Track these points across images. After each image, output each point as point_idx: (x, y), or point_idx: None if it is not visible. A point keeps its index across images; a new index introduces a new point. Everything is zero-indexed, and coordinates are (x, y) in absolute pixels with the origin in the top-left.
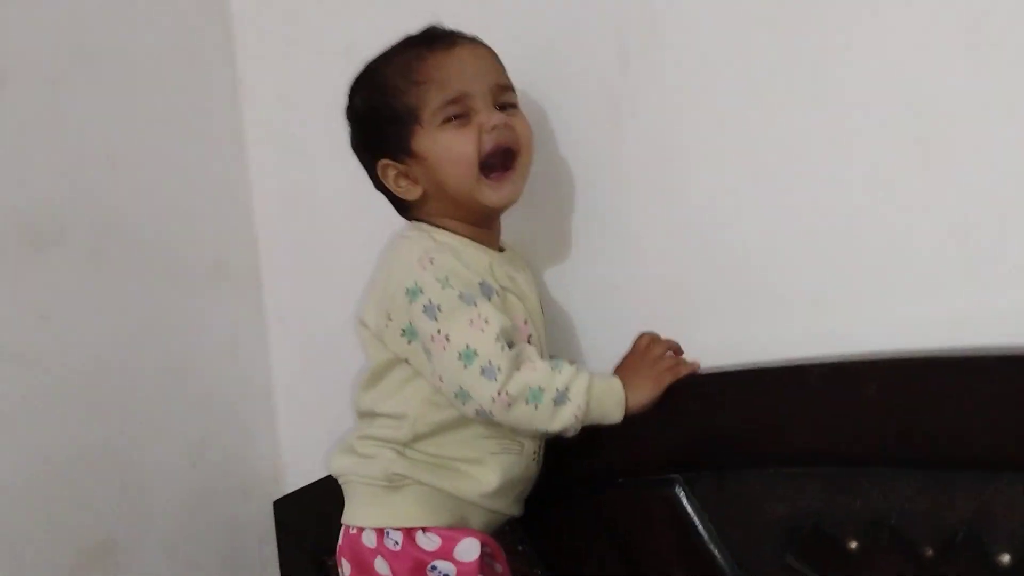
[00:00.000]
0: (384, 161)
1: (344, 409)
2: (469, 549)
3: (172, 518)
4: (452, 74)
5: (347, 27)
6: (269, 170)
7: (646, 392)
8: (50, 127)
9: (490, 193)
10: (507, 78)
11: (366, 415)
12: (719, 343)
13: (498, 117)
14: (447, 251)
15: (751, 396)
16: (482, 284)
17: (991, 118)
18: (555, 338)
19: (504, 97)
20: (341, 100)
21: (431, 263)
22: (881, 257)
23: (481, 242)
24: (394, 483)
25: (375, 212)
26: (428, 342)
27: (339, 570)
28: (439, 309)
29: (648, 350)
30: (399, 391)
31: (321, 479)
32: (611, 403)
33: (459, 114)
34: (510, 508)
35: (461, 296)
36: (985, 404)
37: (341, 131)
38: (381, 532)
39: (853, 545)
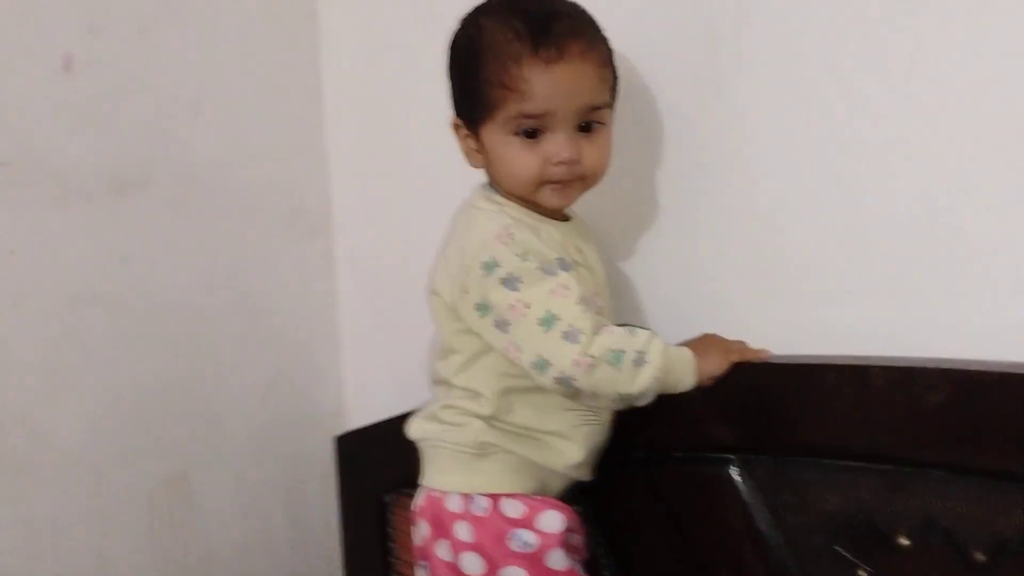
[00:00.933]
0: (458, 120)
1: (408, 352)
2: (552, 520)
3: (242, 451)
4: (542, 91)
5: None
6: (345, 119)
7: (716, 363)
8: (137, 76)
9: (550, 197)
10: (604, 95)
11: (442, 384)
12: (787, 332)
13: (569, 151)
14: (525, 228)
15: (814, 389)
16: (560, 259)
17: None
18: (619, 313)
19: (592, 116)
20: (420, 50)
21: (511, 238)
22: (958, 261)
23: (549, 216)
24: (483, 451)
25: (447, 163)
26: (505, 311)
27: (412, 529)
28: (520, 280)
29: (716, 336)
30: (472, 364)
31: (384, 420)
32: (685, 368)
33: (533, 130)
34: (588, 475)
35: (541, 268)
36: None
37: (418, 82)
38: (468, 497)
39: (904, 542)
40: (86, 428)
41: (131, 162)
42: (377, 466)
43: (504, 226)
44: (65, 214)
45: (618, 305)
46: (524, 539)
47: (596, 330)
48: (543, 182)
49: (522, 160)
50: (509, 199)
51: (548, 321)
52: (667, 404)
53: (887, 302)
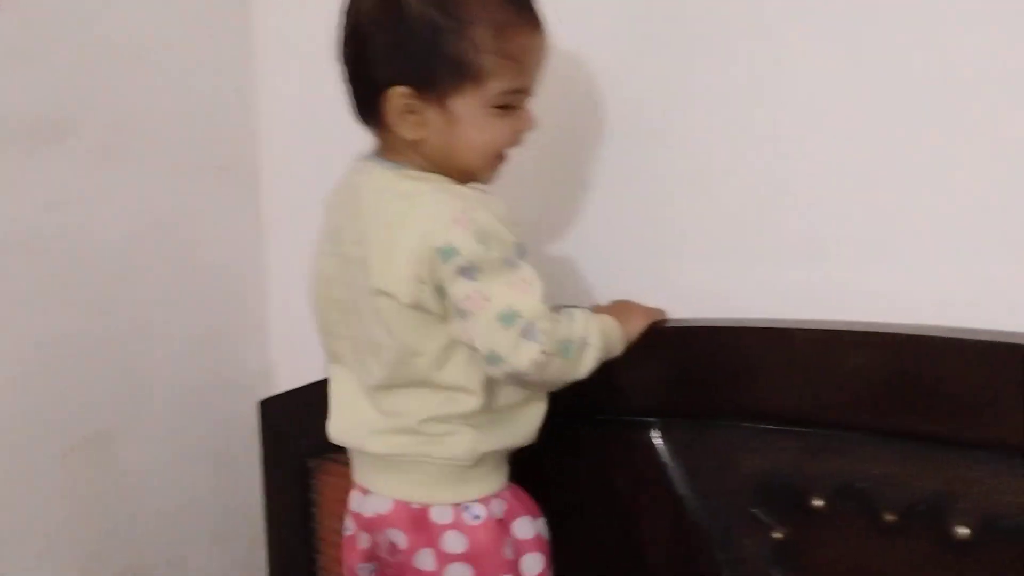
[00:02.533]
0: (402, 89)
1: None
2: (525, 528)
3: (167, 412)
4: (531, 64)
5: None
6: (277, 73)
7: (637, 326)
8: (61, 24)
9: (490, 175)
10: None
11: (410, 387)
12: (708, 291)
13: (530, 121)
14: (479, 206)
15: (734, 351)
16: (517, 244)
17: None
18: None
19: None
20: None
21: (471, 222)
22: (879, 226)
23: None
24: (479, 461)
25: None
26: (463, 302)
27: (355, 532)
28: (479, 270)
29: (630, 301)
30: (447, 359)
31: (308, 384)
32: (617, 338)
33: (512, 104)
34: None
35: (503, 259)
36: (961, 385)
37: None
38: (459, 507)
39: (819, 503)
40: (2, 379)
41: (57, 107)
42: (301, 431)
43: (461, 208)
44: None
45: (547, 272)
46: (509, 548)
47: (553, 324)
48: (501, 155)
49: (497, 131)
50: (429, 174)
51: (508, 317)
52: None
53: (809, 266)
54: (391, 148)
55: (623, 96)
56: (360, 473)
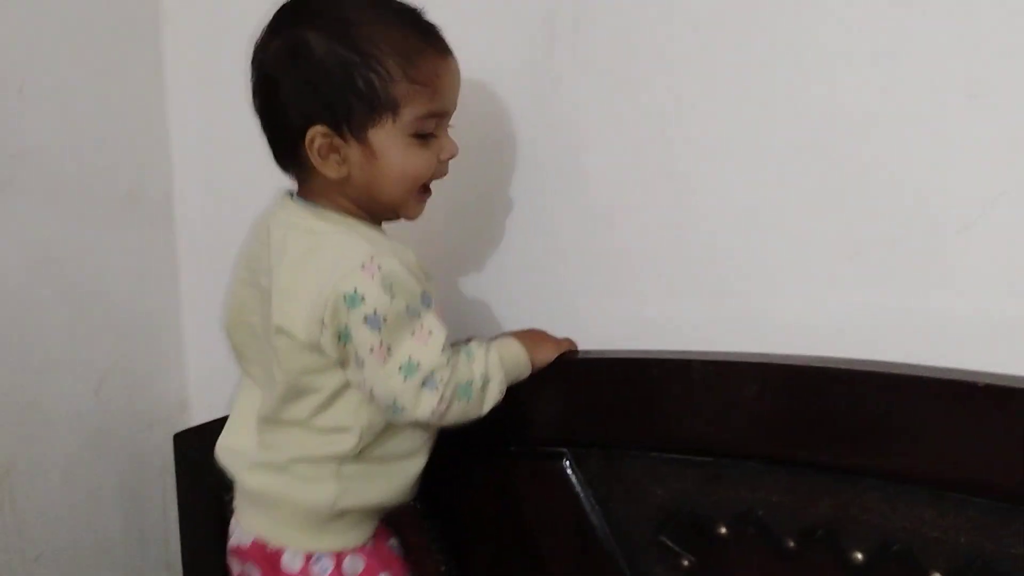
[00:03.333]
0: (320, 128)
1: None
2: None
3: (73, 445)
4: (445, 87)
5: None
6: (187, 101)
7: (546, 353)
8: None
9: (415, 208)
10: None
11: (289, 426)
12: (617, 327)
13: (453, 146)
14: (388, 253)
15: (638, 382)
16: (423, 294)
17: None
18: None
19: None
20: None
21: (378, 270)
22: (777, 258)
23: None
24: (339, 515)
25: None
26: (365, 352)
27: (229, 558)
28: (384, 320)
29: (541, 330)
30: (334, 401)
31: (223, 417)
32: (521, 365)
33: (430, 131)
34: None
35: (408, 308)
36: (854, 415)
37: None
38: (309, 556)
39: (723, 531)
40: None
41: None
42: (217, 465)
43: (368, 254)
44: None
45: (455, 305)
46: None
47: (451, 371)
48: (424, 186)
49: (418, 161)
50: (345, 214)
51: (410, 369)
52: (503, 401)
53: (710, 299)
54: (312, 190)
55: (528, 132)
56: (237, 501)
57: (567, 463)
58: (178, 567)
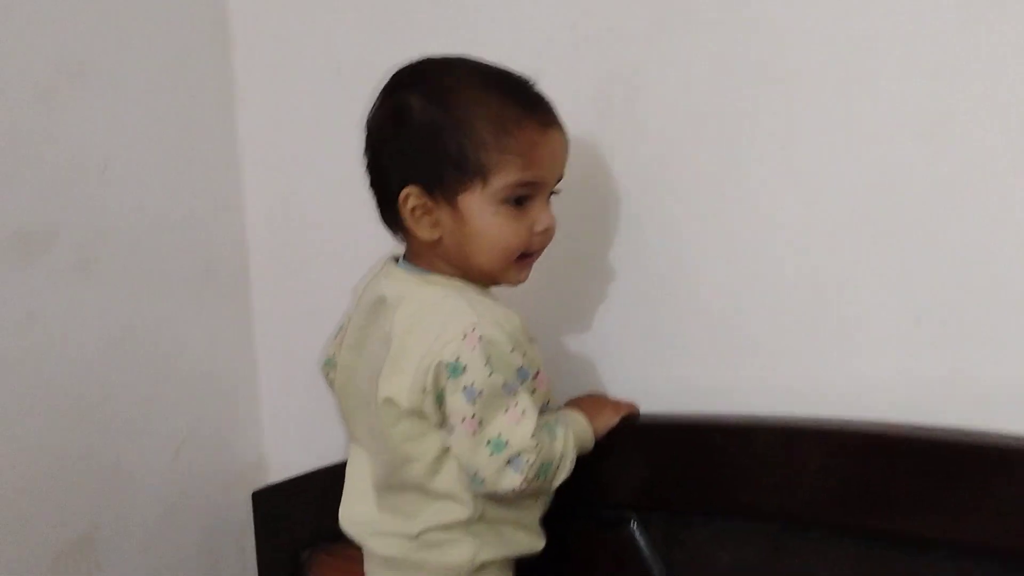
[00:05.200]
0: (413, 188)
1: (325, 407)
2: None
3: (152, 512)
4: (540, 158)
5: (341, 44)
6: (261, 179)
7: (607, 420)
8: (42, 138)
9: (515, 275)
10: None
11: (407, 490)
12: (677, 391)
13: (549, 219)
14: (490, 323)
15: (702, 449)
16: (520, 370)
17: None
18: None
19: (556, 185)
20: (332, 113)
21: (479, 341)
22: (839, 324)
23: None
24: (480, 570)
25: (362, 221)
26: (456, 420)
27: None
28: (480, 394)
29: (601, 394)
30: (440, 466)
31: (300, 475)
32: (588, 439)
33: (523, 198)
34: None
35: (505, 385)
36: (918, 482)
37: (333, 143)
38: None
39: None
40: None
41: (36, 224)
42: (294, 522)
43: (471, 323)
44: None
45: None
46: None
47: (538, 454)
48: (523, 254)
49: (510, 230)
50: (451, 277)
51: (498, 445)
52: None
53: (771, 364)
54: (415, 252)
55: (606, 184)
56: (368, 566)
57: (634, 527)
58: None
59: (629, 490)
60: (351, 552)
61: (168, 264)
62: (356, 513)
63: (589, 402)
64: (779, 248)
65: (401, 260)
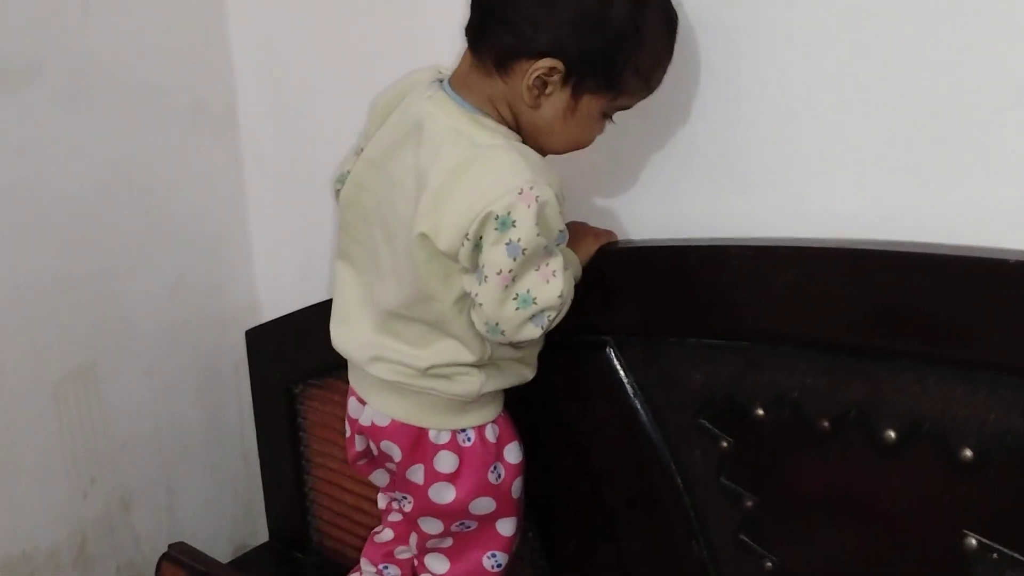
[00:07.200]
0: (559, 63)
1: (317, 247)
2: (515, 453)
3: (150, 345)
4: (652, 92)
5: None
6: (249, 13)
7: (588, 246)
8: None
9: (555, 151)
10: None
11: (421, 323)
12: (655, 216)
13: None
14: (546, 182)
15: (676, 271)
16: (560, 233)
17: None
18: None
19: None
20: None
21: (536, 201)
22: (812, 148)
23: None
24: (483, 398)
25: (354, 56)
26: (491, 271)
27: (365, 440)
28: (523, 252)
29: (582, 223)
30: (463, 309)
31: (292, 313)
32: (579, 273)
33: (611, 116)
34: None
35: (546, 246)
36: (883, 296)
37: None
38: (455, 432)
39: (759, 413)
40: None
41: (18, 54)
42: (286, 358)
43: (530, 181)
44: None
45: None
46: (497, 471)
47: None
48: None
49: (590, 134)
50: (499, 124)
51: (525, 301)
52: None
53: (747, 191)
54: (467, 84)
55: None
56: (359, 385)
57: (611, 351)
58: (254, 457)
59: (603, 315)
60: (341, 385)
61: (156, 99)
62: (354, 335)
63: (572, 230)
64: (751, 73)
65: (447, 86)
